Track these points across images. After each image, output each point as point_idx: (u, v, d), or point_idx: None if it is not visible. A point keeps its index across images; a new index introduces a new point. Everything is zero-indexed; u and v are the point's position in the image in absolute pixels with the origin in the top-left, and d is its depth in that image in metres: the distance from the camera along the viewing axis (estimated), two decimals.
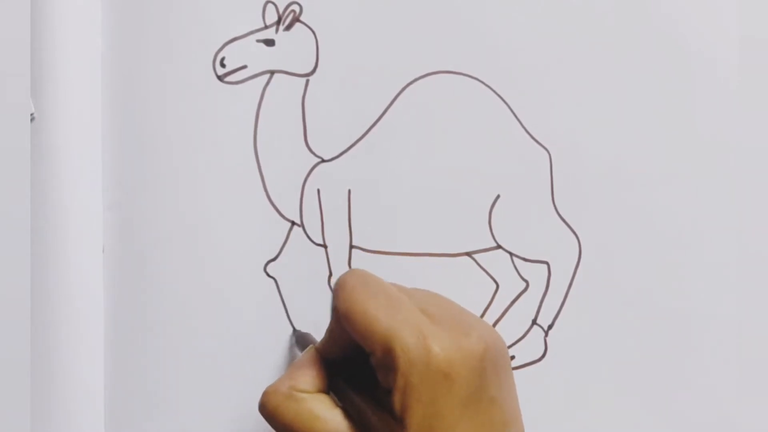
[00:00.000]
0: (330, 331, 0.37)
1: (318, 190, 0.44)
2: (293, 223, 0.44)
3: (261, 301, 0.43)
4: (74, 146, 0.43)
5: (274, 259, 0.43)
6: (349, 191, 0.44)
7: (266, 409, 0.36)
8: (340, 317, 0.35)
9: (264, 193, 0.44)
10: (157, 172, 0.43)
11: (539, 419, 0.42)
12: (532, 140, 0.44)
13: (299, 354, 0.42)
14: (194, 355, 0.43)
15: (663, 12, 0.44)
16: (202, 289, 0.43)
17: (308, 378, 0.36)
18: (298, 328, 0.43)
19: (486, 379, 0.35)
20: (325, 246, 0.44)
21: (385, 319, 0.34)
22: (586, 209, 0.44)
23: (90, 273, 0.43)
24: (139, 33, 0.44)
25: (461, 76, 0.44)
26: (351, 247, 0.44)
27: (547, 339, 0.44)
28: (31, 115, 0.42)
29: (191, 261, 0.43)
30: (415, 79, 0.44)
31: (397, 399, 0.34)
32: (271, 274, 0.43)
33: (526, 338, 0.44)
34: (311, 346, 0.38)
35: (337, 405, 0.36)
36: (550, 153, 0.44)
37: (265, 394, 0.36)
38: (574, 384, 0.43)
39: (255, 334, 0.43)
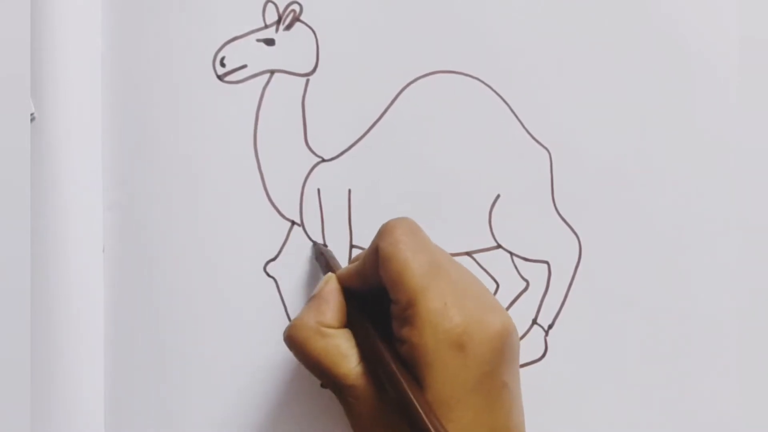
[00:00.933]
0: (362, 267, 0.37)
1: (318, 190, 0.44)
2: (293, 222, 0.44)
3: (261, 301, 0.43)
4: (74, 146, 0.43)
5: (274, 259, 0.43)
6: (349, 191, 0.44)
7: (294, 343, 0.36)
8: (380, 258, 0.35)
9: (264, 192, 0.44)
10: (157, 172, 0.43)
11: (539, 419, 0.42)
12: (532, 140, 0.44)
13: (318, 267, 0.42)
14: (194, 354, 0.43)
15: (663, 12, 0.44)
16: (202, 288, 0.43)
17: (334, 312, 0.37)
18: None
19: (503, 363, 0.35)
20: (325, 246, 0.43)
21: (420, 277, 0.35)
22: (586, 209, 0.44)
23: (90, 273, 0.43)
24: (139, 33, 0.44)
25: (461, 76, 0.44)
26: (351, 246, 0.44)
27: (548, 339, 0.44)
28: (31, 115, 0.42)
29: (191, 261, 0.43)
30: (415, 79, 0.44)
31: (407, 350, 0.34)
32: (271, 274, 0.43)
33: (526, 338, 0.44)
34: (331, 274, 0.39)
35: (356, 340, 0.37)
36: (550, 153, 0.44)
37: (293, 327, 0.37)
38: (574, 384, 0.43)
39: (255, 334, 0.43)
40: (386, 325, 0.36)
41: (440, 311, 0.34)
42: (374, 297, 0.37)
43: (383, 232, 0.36)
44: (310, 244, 0.43)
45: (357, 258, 0.40)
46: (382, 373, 0.35)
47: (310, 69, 0.44)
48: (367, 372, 0.36)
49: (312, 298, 0.38)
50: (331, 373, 0.36)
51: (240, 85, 0.44)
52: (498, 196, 0.44)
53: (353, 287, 0.38)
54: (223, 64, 0.44)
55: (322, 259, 0.42)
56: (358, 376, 0.36)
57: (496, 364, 0.35)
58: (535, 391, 0.42)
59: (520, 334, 0.44)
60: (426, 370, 0.34)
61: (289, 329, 0.37)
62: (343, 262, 0.43)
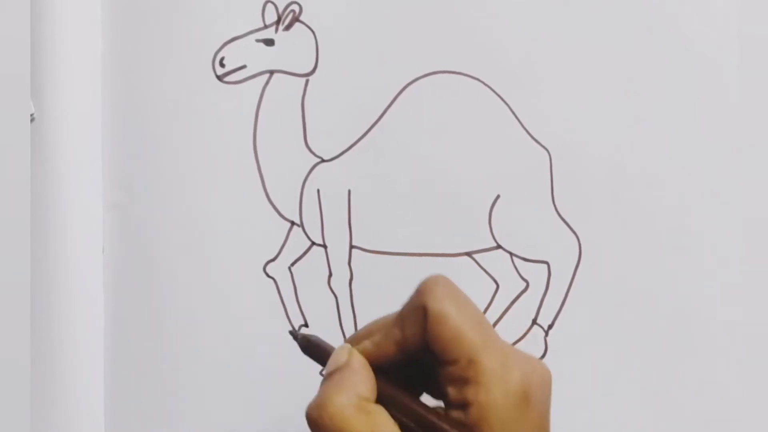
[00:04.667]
0: (401, 334, 0.33)
1: (318, 190, 0.44)
2: (293, 223, 0.44)
3: (260, 301, 0.43)
4: (74, 146, 0.43)
5: (274, 259, 0.43)
6: (349, 191, 0.44)
7: (333, 423, 0.31)
8: (432, 317, 0.32)
9: (264, 193, 0.44)
10: (157, 172, 0.43)
11: None
12: (532, 140, 0.44)
13: (307, 357, 0.37)
14: (194, 354, 0.43)
15: (663, 12, 0.44)
16: (202, 288, 0.43)
17: (368, 386, 0.33)
18: (296, 328, 0.43)
19: (550, 406, 0.35)
20: (325, 246, 0.44)
21: (476, 331, 0.32)
22: (586, 209, 0.44)
23: (90, 273, 0.43)
24: (139, 33, 0.44)
25: (461, 76, 0.44)
26: (351, 247, 0.44)
27: (547, 339, 0.44)
28: (31, 115, 0.42)
29: (191, 261, 0.43)
30: (415, 79, 0.44)
31: (474, 413, 0.32)
32: (270, 274, 0.43)
33: (526, 338, 0.44)
34: (347, 345, 0.34)
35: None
36: (550, 153, 0.44)
37: (331, 405, 0.31)
38: (574, 384, 0.43)
39: (255, 334, 0.43)
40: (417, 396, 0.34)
41: (503, 365, 0.32)
42: (398, 370, 0.34)
43: (425, 291, 0.33)
44: (295, 334, 0.37)
45: (373, 330, 0.35)
46: None
47: (309, 69, 0.44)
48: None
49: (336, 371, 0.33)
50: None
51: (240, 85, 0.44)
52: (498, 196, 0.44)
53: (383, 362, 0.34)
54: (222, 65, 0.44)
55: (312, 349, 0.35)
56: None
57: (548, 409, 0.34)
58: None
59: (520, 334, 0.44)
60: (496, 428, 0.32)
61: (318, 408, 0.31)
62: (343, 263, 0.43)
